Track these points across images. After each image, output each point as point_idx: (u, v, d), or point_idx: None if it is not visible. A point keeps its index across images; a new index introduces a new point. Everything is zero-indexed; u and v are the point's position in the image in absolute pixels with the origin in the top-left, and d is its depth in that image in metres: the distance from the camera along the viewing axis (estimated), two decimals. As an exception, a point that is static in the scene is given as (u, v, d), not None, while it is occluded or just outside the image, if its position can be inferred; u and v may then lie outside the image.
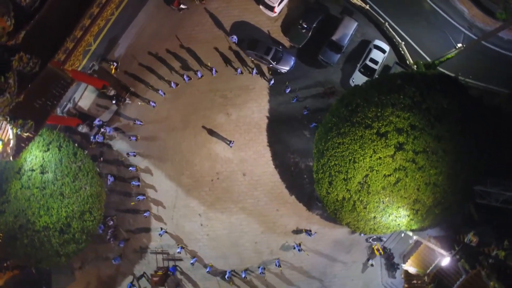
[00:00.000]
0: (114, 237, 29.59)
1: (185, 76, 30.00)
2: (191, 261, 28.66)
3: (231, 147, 29.64)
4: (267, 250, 29.36)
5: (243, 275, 28.47)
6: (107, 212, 28.96)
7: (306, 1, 30.66)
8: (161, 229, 29.43)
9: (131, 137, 29.99)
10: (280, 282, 29.23)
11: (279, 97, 30.02)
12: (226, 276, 28.33)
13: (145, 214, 29.49)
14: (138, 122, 30.09)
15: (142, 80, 30.81)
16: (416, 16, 30.36)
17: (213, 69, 29.91)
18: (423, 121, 21.92)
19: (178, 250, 28.89)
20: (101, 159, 30.32)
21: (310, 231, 28.74)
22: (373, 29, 30.27)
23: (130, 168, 29.77)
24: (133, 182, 29.56)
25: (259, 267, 28.57)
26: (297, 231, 29.26)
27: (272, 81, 29.69)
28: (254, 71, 29.95)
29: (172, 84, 30.19)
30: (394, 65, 28.95)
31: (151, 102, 30.17)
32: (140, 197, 29.47)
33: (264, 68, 30.41)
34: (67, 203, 25.39)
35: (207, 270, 28.60)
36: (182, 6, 30.53)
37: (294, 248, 28.63)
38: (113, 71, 30.21)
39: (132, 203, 29.81)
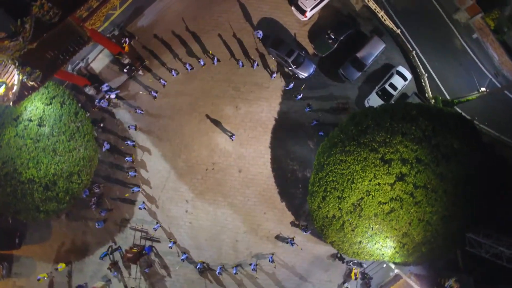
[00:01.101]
0: (97, 205, 29.17)
1: (201, 61, 29.56)
2: (182, 257, 28.16)
3: (232, 140, 29.24)
4: (246, 250, 28.89)
5: (234, 271, 27.81)
6: (95, 178, 28.61)
7: (339, 13, 30.17)
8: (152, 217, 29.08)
9: (131, 126, 29.56)
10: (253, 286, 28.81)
11: (291, 102, 29.56)
12: (217, 273, 27.69)
13: (140, 207, 28.92)
14: (139, 111, 29.64)
15: (158, 55, 30.39)
16: (445, 52, 29.85)
17: (215, 58, 29.46)
18: (430, 156, 21.47)
19: (170, 245, 28.28)
20: (101, 124, 29.92)
21: (306, 226, 28.12)
22: (399, 54, 29.79)
23: (128, 142, 29.30)
24: (127, 158, 29.28)
25: (251, 264, 27.80)
26: (294, 225, 28.66)
27: (274, 75, 29.26)
28: (255, 64, 29.52)
29: (187, 66, 29.66)
30: (412, 95, 28.47)
31: (152, 92, 29.68)
32: (132, 173, 29.20)
33: (272, 65, 30.01)
34: (57, 161, 25.01)
35: (198, 266, 28.02)
36: (214, -10, 30.19)
37: (287, 242, 27.90)
38: (126, 48, 29.60)
39: (126, 195, 29.34)
